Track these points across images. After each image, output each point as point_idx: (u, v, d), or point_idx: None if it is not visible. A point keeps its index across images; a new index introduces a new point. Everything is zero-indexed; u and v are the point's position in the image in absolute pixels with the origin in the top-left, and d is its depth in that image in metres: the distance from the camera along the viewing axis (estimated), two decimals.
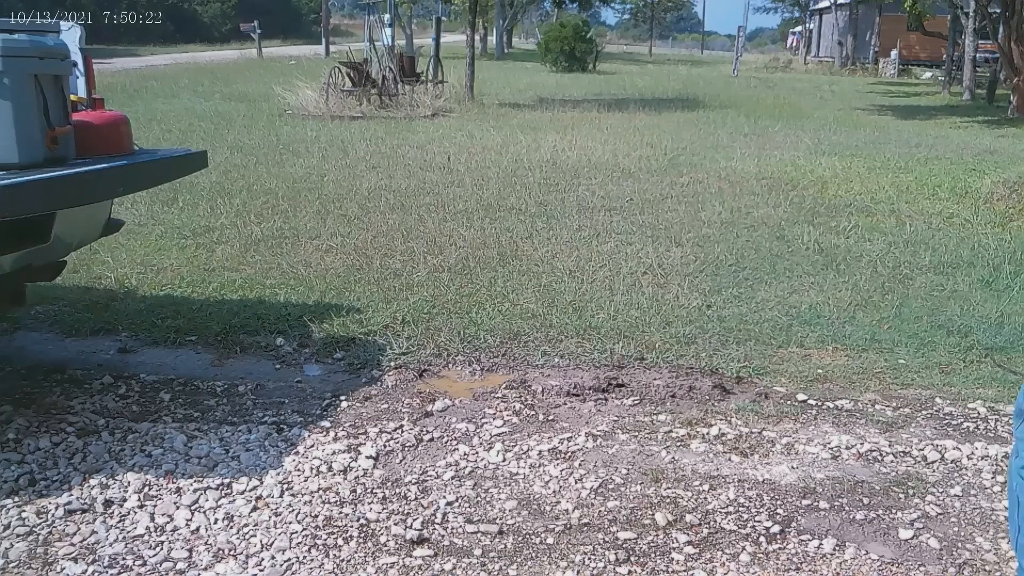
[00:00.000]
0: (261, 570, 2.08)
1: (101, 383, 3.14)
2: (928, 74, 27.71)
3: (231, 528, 2.25)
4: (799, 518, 2.36)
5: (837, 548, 2.22)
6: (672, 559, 2.16)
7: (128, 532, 2.22)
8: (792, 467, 2.63)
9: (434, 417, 2.95)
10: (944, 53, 23.82)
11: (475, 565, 2.12)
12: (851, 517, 2.36)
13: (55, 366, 3.29)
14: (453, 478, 2.53)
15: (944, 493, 2.50)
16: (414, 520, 2.29)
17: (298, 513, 2.32)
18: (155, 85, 16.45)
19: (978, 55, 20.98)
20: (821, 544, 2.23)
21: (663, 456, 2.69)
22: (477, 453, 2.69)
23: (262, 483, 2.46)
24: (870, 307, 4.14)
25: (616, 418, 2.95)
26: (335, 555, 2.15)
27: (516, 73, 25.08)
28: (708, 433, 2.84)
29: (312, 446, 2.69)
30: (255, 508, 2.34)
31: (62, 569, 2.06)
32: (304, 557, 2.13)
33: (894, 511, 2.39)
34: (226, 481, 2.46)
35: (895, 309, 4.11)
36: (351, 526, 2.27)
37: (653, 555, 2.18)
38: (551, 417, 2.95)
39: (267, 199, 6.34)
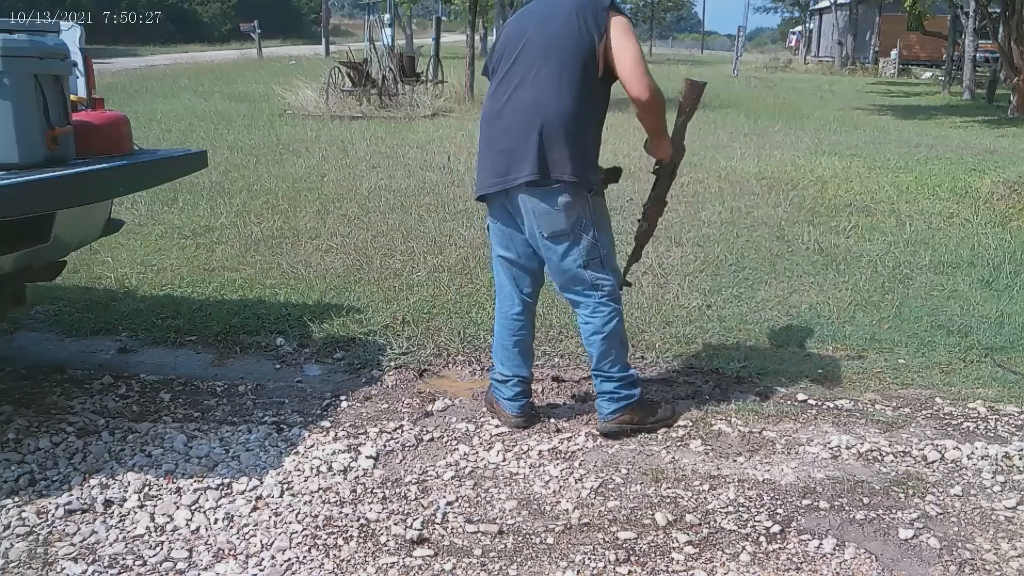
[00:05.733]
0: (261, 570, 2.08)
1: (101, 383, 3.14)
2: (928, 74, 27.72)
3: (231, 528, 2.25)
4: (799, 518, 2.36)
5: (837, 548, 2.22)
6: (672, 559, 2.16)
7: (128, 532, 2.22)
8: (792, 467, 2.63)
9: (434, 417, 2.95)
10: (944, 53, 23.82)
11: (475, 565, 2.12)
12: (851, 517, 2.36)
13: (55, 366, 3.29)
14: (453, 478, 2.53)
15: (944, 493, 2.50)
16: (414, 520, 2.29)
17: (298, 513, 2.32)
18: (155, 85, 16.45)
19: (978, 55, 20.99)
20: (821, 544, 2.23)
21: (663, 456, 2.69)
22: (477, 453, 2.69)
23: (262, 483, 2.46)
24: (870, 307, 4.14)
25: None
26: (335, 555, 2.15)
27: None
28: (708, 433, 2.85)
29: (312, 446, 2.69)
30: (255, 508, 2.34)
31: (62, 569, 2.06)
32: (304, 557, 2.13)
33: (894, 511, 2.39)
34: (226, 481, 2.46)
35: (895, 309, 4.11)
36: (351, 526, 2.27)
37: (653, 555, 2.18)
38: (551, 417, 2.95)
39: (267, 199, 6.34)
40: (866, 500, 2.45)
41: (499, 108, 2.68)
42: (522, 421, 2.87)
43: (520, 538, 2.24)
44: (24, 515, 2.27)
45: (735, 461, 2.67)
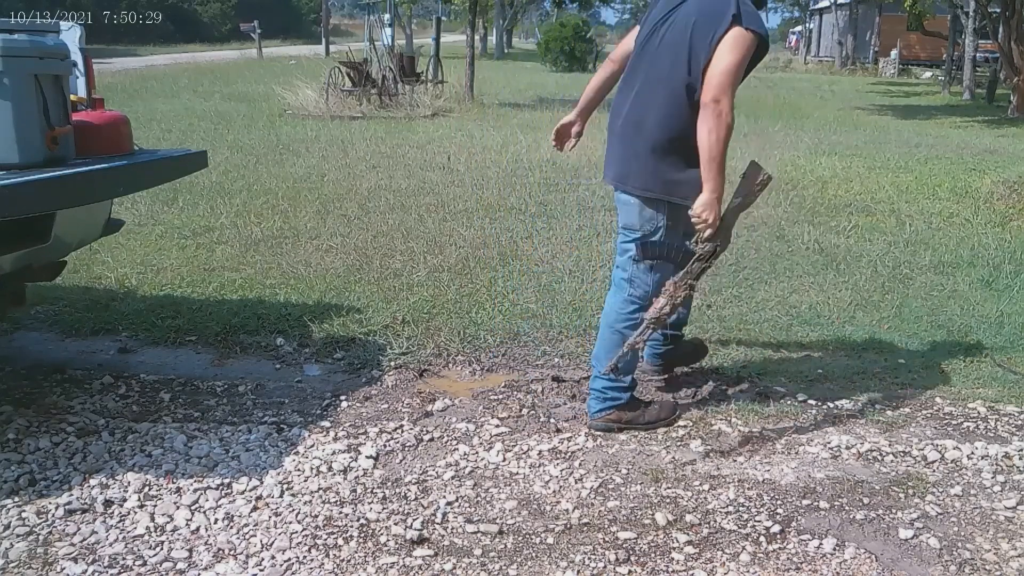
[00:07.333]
0: (261, 570, 2.08)
1: (101, 383, 3.14)
2: (928, 74, 27.72)
3: (231, 528, 2.25)
4: (799, 518, 2.36)
5: (837, 548, 2.22)
6: (672, 559, 2.16)
7: (128, 532, 2.22)
8: (792, 467, 2.63)
9: (434, 417, 2.95)
10: (944, 53, 23.82)
11: (475, 565, 2.12)
12: (851, 517, 2.36)
13: (55, 366, 3.29)
14: (453, 478, 2.53)
15: (944, 493, 2.50)
16: (414, 520, 2.29)
17: (298, 513, 2.32)
18: (155, 85, 16.45)
19: (978, 55, 20.99)
20: (821, 544, 2.23)
21: (663, 456, 2.69)
22: (477, 453, 2.69)
23: (262, 483, 2.46)
24: (870, 307, 4.14)
25: None
26: (335, 555, 2.15)
27: (516, 73, 25.09)
28: (708, 433, 2.85)
29: (312, 446, 2.69)
30: (255, 508, 2.34)
31: (62, 569, 2.06)
32: (304, 557, 2.13)
33: (894, 511, 2.39)
34: (226, 481, 2.46)
35: (895, 309, 4.11)
36: (351, 526, 2.27)
37: (653, 555, 2.18)
38: (551, 417, 2.95)
39: (267, 199, 6.34)
40: (866, 500, 2.45)
41: (615, 107, 2.80)
42: (652, 368, 3.15)
43: (520, 538, 2.24)
44: (24, 515, 2.27)
45: (735, 461, 2.67)
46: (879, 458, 2.71)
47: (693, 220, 2.54)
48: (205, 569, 2.08)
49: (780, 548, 2.22)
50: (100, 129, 2.85)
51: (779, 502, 2.43)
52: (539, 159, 8.51)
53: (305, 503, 2.37)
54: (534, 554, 2.17)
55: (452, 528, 2.28)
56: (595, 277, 4.52)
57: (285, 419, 2.90)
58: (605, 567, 2.12)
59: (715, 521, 2.33)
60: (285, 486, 2.45)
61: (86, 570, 2.06)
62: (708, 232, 2.54)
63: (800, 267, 4.79)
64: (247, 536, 2.21)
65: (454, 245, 5.14)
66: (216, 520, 2.28)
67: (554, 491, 2.47)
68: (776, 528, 2.29)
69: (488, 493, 2.46)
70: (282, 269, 4.57)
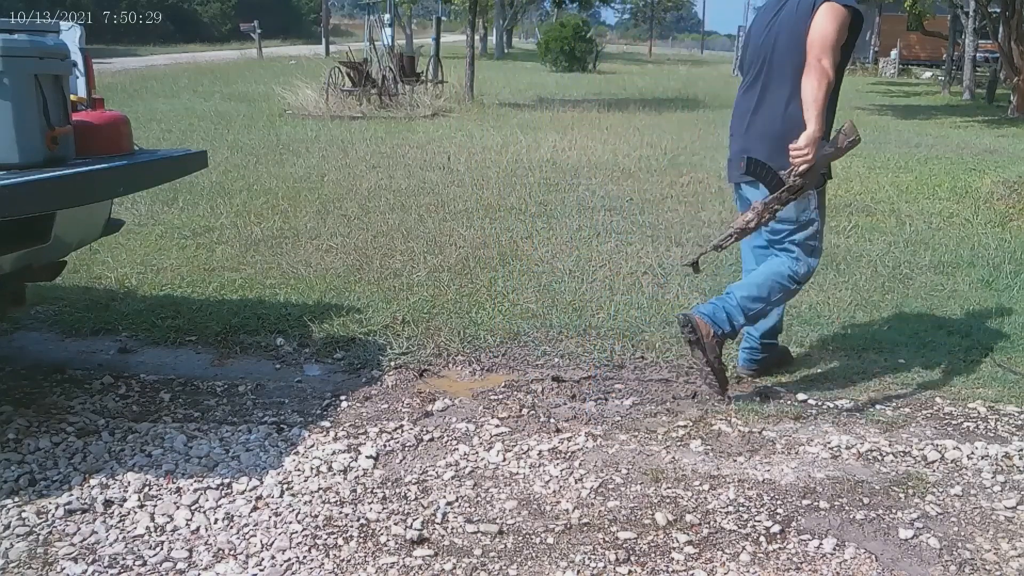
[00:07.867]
0: (261, 570, 2.08)
1: (101, 383, 3.14)
2: (928, 74, 27.70)
3: (231, 528, 2.25)
4: (799, 518, 2.36)
5: (837, 548, 2.22)
6: (672, 559, 2.16)
7: (128, 532, 2.22)
8: (792, 467, 2.63)
9: (434, 417, 2.95)
10: (944, 53, 23.82)
11: (475, 565, 2.12)
12: (851, 517, 2.36)
13: (55, 366, 3.29)
14: (453, 478, 2.53)
15: (944, 493, 2.50)
16: (414, 520, 2.29)
17: (298, 513, 2.32)
18: (155, 85, 16.45)
19: (978, 55, 20.99)
20: (821, 544, 2.23)
21: (663, 456, 2.69)
22: (477, 453, 2.69)
23: (262, 483, 2.46)
24: (870, 307, 4.14)
25: (616, 418, 2.95)
26: (335, 555, 2.15)
27: (516, 73, 25.08)
28: (708, 433, 2.85)
29: (312, 446, 2.69)
30: (255, 508, 2.34)
31: (62, 569, 2.06)
32: (304, 557, 2.13)
33: (894, 511, 2.39)
34: (226, 481, 2.46)
35: (895, 309, 4.11)
36: (351, 526, 2.27)
37: (653, 555, 2.18)
38: (551, 417, 2.95)
39: (267, 199, 6.34)
40: (866, 500, 2.45)
41: (739, 114, 3.07)
42: (746, 373, 3.29)
43: (520, 538, 2.24)
44: (24, 515, 2.27)
45: (735, 461, 2.67)
46: (879, 458, 2.71)
47: (794, 153, 2.69)
48: (205, 569, 2.08)
49: (780, 548, 2.22)
50: (100, 129, 2.85)
51: (779, 502, 2.43)
52: (539, 159, 8.51)
53: (305, 503, 2.37)
54: (534, 554, 2.17)
55: (452, 528, 2.28)
56: (595, 277, 4.52)
57: (285, 419, 2.90)
58: (605, 567, 2.12)
59: (715, 521, 2.33)
60: (285, 486, 2.45)
61: (86, 570, 2.06)
62: (804, 167, 2.68)
63: None
64: (247, 536, 2.21)
65: (454, 245, 5.14)
66: (216, 520, 2.28)
67: (554, 491, 2.47)
68: (776, 528, 2.29)
69: (488, 493, 2.46)
70: (282, 269, 4.58)
